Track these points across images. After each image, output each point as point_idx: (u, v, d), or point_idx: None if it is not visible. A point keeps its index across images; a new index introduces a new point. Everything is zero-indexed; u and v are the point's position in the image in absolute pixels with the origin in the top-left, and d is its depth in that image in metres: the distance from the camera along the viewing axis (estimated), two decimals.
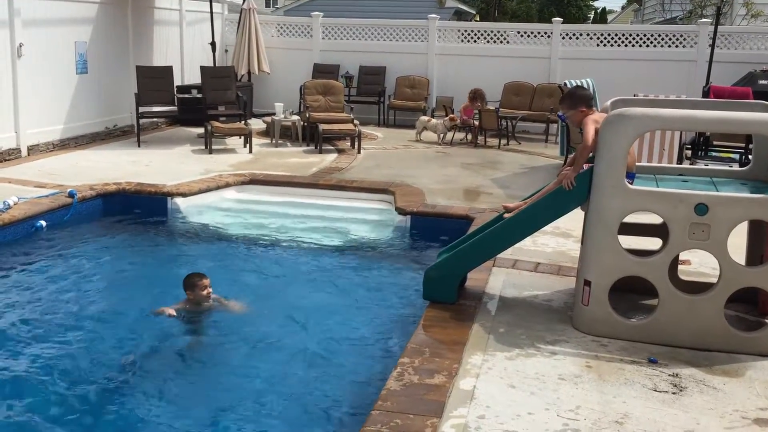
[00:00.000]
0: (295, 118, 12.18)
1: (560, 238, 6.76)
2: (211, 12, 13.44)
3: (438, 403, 3.68)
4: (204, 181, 8.80)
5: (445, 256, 5.23)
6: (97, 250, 7.08)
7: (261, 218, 8.13)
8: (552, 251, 6.40)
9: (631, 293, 4.96)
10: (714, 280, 4.56)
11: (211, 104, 11.95)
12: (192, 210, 8.20)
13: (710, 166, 7.01)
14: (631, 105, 4.91)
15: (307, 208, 8.38)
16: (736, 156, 9.84)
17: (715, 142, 10.16)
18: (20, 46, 9.84)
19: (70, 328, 5.23)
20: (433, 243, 7.07)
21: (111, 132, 12.07)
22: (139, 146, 11.18)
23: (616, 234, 4.52)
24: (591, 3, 53.25)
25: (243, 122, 11.64)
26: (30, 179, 8.57)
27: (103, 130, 11.89)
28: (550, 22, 14.43)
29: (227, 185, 8.77)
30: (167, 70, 12.01)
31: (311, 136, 11.82)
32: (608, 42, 14.09)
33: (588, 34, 14.68)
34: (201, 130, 11.61)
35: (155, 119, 12.94)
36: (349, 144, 11.73)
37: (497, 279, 5.60)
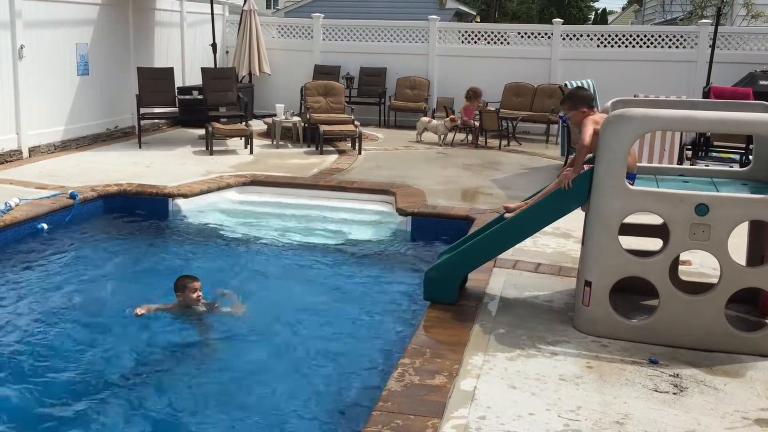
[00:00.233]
0: (296, 119, 12.19)
1: (561, 239, 6.76)
2: (212, 13, 13.45)
3: (439, 403, 3.69)
4: (205, 182, 8.80)
5: (446, 257, 5.24)
6: (99, 251, 7.09)
7: (262, 219, 8.14)
8: (552, 252, 6.40)
9: (632, 294, 4.96)
10: (714, 280, 4.56)
11: (212, 105, 11.97)
12: (193, 211, 8.20)
13: (711, 167, 7.00)
14: (631, 106, 4.92)
15: (308, 209, 8.39)
16: (737, 156, 9.83)
17: (715, 143, 10.16)
18: (21, 47, 9.85)
19: (70, 328, 5.24)
20: (434, 243, 7.09)
21: (112, 133, 12.08)
22: (140, 147, 11.19)
23: (616, 234, 4.53)
24: (591, 4, 53.28)
25: (244, 123, 11.65)
26: (31, 180, 8.57)
27: (105, 131, 11.90)
28: (551, 23, 14.43)
29: (228, 186, 8.78)
30: (168, 72, 12.02)
31: (312, 137, 11.82)
32: (609, 43, 14.09)
33: (588, 35, 14.70)
34: (202, 132, 11.61)
35: (156, 120, 12.96)
36: (349, 145, 11.73)
37: (498, 279, 5.60)
